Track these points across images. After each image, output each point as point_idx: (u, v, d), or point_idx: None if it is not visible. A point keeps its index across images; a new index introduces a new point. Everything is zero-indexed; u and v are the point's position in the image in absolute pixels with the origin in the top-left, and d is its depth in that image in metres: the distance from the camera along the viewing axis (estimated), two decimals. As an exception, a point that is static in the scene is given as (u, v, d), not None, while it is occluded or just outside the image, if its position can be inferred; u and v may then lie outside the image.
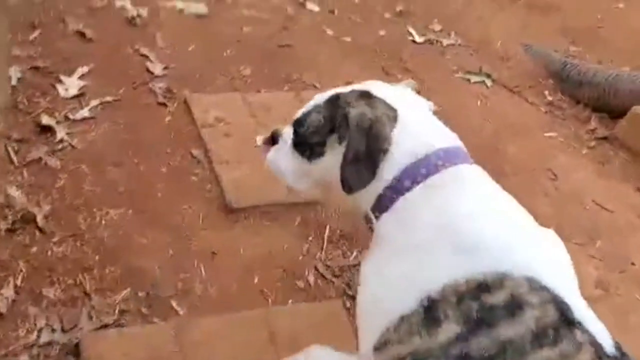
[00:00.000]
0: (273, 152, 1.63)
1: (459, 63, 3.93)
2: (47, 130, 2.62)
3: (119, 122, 2.79)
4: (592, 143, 3.48)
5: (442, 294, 1.15)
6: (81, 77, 2.96)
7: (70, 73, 2.96)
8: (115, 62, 3.15)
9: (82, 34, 3.26)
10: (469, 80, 3.79)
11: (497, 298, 1.11)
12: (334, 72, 3.50)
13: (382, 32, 4.09)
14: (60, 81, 2.91)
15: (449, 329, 1.12)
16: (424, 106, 1.52)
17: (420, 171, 1.32)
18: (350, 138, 1.35)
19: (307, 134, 1.49)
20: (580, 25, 4.48)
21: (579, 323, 1.10)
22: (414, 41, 4.07)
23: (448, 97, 3.54)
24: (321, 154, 1.47)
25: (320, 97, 1.53)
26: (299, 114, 1.54)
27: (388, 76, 3.62)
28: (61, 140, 2.59)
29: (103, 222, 2.33)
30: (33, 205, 2.25)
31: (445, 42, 4.12)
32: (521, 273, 1.14)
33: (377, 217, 1.40)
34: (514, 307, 1.10)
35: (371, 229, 1.44)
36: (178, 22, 3.64)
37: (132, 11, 3.55)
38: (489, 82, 3.80)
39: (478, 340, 1.09)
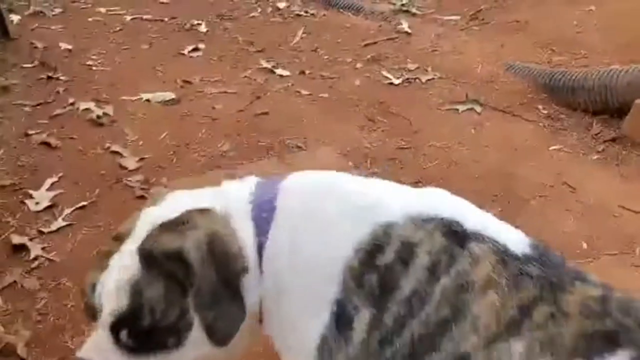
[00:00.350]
0: None
1: (443, 96, 3.77)
2: (19, 249, 2.40)
3: (97, 225, 2.57)
4: (601, 147, 3.27)
5: (343, 287, 1.04)
6: (51, 187, 2.77)
7: (39, 186, 2.76)
8: (85, 165, 2.96)
9: (47, 144, 3.09)
10: (457, 110, 3.61)
11: (390, 254, 1.02)
12: (317, 130, 3.32)
13: (357, 82, 3.96)
14: (29, 196, 2.71)
15: (362, 320, 1.02)
16: (211, 189, 1.29)
17: (265, 230, 1.15)
18: (199, 279, 1.06)
19: (158, 318, 1.10)
20: (558, 35, 4.36)
21: (474, 234, 1.02)
22: (391, 84, 3.92)
23: (441, 132, 3.36)
24: (189, 325, 1.11)
25: (116, 274, 1.13)
26: (116, 309, 1.11)
27: (374, 123, 3.43)
28: (36, 258, 2.36)
29: (93, 338, 2.06)
30: (11, 335, 1.99)
31: (423, 78, 3.98)
32: (403, 214, 1.05)
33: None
34: (406, 254, 1.02)
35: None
36: (146, 112, 3.49)
37: (96, 111, 3.39)
38: (478, 108, 3.62)
39: (389, 313, 1.00)
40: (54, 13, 5.12)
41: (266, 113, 3.50)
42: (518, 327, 0.92)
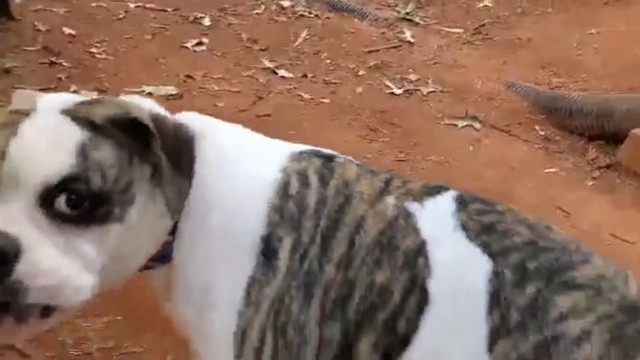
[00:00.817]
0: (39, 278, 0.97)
1: (442, 110, 3.81)
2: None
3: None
4: (596, 173, 3.33)
5: (268, 223, 1.16)
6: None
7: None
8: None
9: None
10: (456, 125, 3.65)
11: (295, 184, 1.20)
12: (318, 136, 3.34)
13: (359, 89, 3.98)
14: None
15: (285, 248, 1.15)
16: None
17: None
18: (163, 145, 1.06)
19: (110, 182, 1.03)
20: (559, 56, 4.42)
21: (332, 154, 1.29)
22: (392, 93, 3.95)
23: (439, 146, 3.40)
24: (132, 198, 1.07)
25: (44, 137, 1.01)
26: (56, 172, 0.99)
27: (374, 133, 3.47)
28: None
29: (90, 334, 2.08)
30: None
31: (424, 90, 4.01)
32: (287, 156, 1.24)
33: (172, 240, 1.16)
34: (304, 179, 1.21)
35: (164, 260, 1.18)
36: (148, 106, 3.48)
37: (99, 101, 3.38)
38: (477, 125, 3.67)
39: (305, 231, 1.16)
40: (56, -6, 5.08)
41: (268, 115, 3.52)
42: (386, 190, 1.23)
